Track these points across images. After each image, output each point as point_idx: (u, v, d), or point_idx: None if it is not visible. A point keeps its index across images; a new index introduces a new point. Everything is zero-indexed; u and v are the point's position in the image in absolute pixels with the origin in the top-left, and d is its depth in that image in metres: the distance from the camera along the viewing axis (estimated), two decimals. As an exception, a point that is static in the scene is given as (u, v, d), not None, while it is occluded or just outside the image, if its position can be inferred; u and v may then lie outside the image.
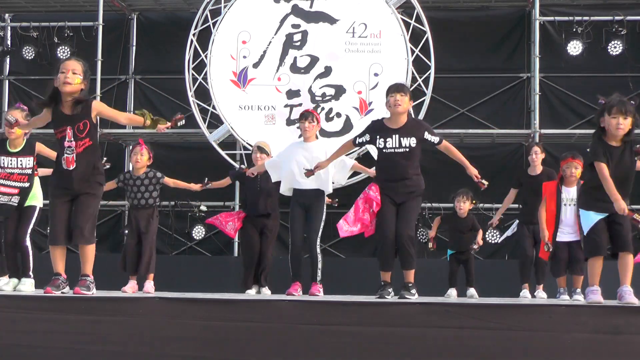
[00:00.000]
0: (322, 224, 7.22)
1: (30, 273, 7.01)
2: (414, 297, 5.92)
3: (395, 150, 6.10)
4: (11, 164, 6.99)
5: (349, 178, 10.24)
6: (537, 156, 8.65)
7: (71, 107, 5.64)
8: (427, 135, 6.21)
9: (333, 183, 7.33)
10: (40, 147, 7.11)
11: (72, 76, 5.60)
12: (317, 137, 7.43)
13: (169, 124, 5.88)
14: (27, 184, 7.03)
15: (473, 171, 6.34)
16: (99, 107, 5.79)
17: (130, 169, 7.89)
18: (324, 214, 7.24)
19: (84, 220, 5.64)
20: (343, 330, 4.76)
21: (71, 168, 5.64)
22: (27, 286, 6.71)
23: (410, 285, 6.07)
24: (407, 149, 6.10)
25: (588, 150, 5.66)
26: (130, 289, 7.44)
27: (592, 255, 5.56)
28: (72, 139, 5.62)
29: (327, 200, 7.34)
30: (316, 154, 7.08)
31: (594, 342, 4.58)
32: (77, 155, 5.63)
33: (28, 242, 7.07)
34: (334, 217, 11.57)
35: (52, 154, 6.67)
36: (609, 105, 5.52)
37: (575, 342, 4.58)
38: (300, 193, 7.16)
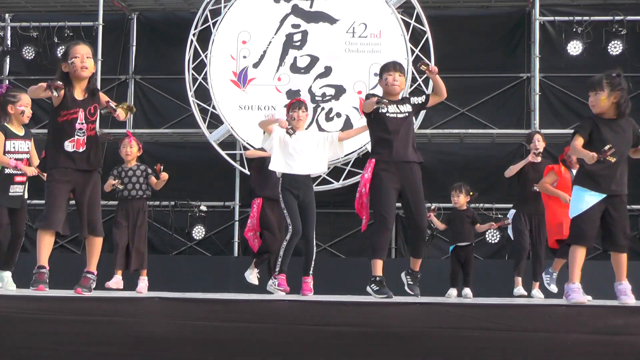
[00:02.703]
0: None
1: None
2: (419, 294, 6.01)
3: (397, 115, 6.12)
4: (21, 147, 6.69)
5: (349, 154, 10.83)
6: (539, 144, 8.64)
7: (83, 92, 5.62)
8: (413, 100, 6.26)
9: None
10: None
11: (88, 60, 5.58)
12: (306, 128, 7.39)
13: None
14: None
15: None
16: (101, 94, 5.78)
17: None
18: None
19: (97, 213, 5.65)
20: (342, 330, 4.75)
21: (81, 150, 5.56)
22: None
23: (419, 276, 6.15)
24: (407, 114, 6.14)
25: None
26: (115, 284, 7.45)
27: (575, 242, 5.29)
28: (84, 121, 5.56)
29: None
30: (303, 141, 7.02)
31: (594, 342, 4.56)
32: (88, 138, 5.58)
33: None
34: (334, 217, 11.65)
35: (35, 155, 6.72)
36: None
37: (575, 342, 4.57)
38: (292, 179, 7.02)
